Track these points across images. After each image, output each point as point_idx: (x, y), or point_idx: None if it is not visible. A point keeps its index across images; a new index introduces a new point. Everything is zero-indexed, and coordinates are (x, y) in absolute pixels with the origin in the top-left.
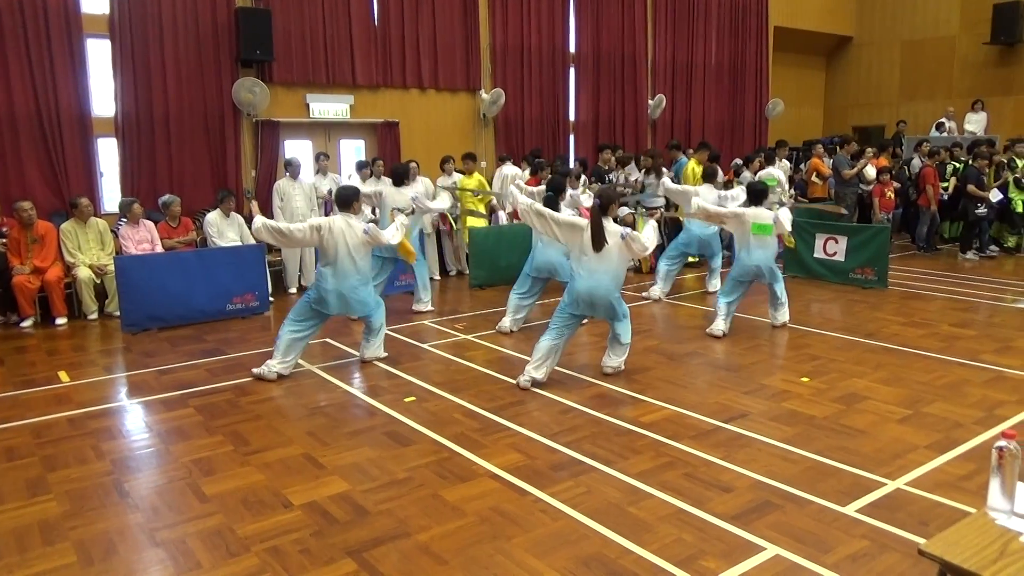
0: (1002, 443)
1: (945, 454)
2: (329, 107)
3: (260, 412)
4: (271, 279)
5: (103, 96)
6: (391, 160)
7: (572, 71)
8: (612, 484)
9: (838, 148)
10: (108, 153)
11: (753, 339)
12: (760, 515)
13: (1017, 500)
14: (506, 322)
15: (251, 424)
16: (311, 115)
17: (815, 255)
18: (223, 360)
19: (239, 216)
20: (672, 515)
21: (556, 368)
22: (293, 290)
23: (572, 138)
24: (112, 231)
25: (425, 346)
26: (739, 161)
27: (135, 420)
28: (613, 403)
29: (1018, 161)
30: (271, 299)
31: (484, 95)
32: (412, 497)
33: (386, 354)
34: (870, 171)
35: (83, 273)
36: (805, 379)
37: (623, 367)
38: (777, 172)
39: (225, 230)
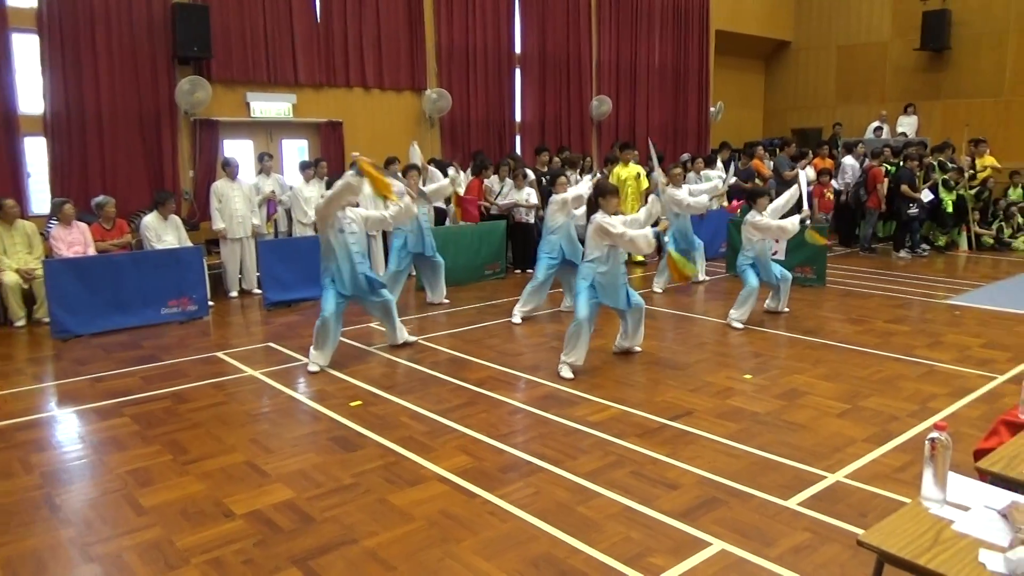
0: (934, 435)
1: (882, 447)
2: (270, 106)
3: (199, 420)
4: (210, 282)
5: (30, 93)
6: (335, 161)
7: (518, 72)
8: (560, 484)
9: (778, 150)
10: (36, 153)
11: (698, 337)
12: (706, 511)
13: (949, 489)
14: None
15: (190, 432)
16: (251, 114)
17: None
18: (160, 367)
19: (177, 218)
20: (620, 513)
21: (503, 369)
22: (234, 294)
23: (518, 139)
24: (41, 233)
25: (371, 349)
26: (687, 156)
27: (66, 431)
28: (560, 403)
29: (949, 165)
30: (210, 303)
31: (432, 94)
32: (359, 503)
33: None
34: (809, 172)
35: (9, 278)
36: (748, 376)
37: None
38: (716, 174)
39: (163, 233)
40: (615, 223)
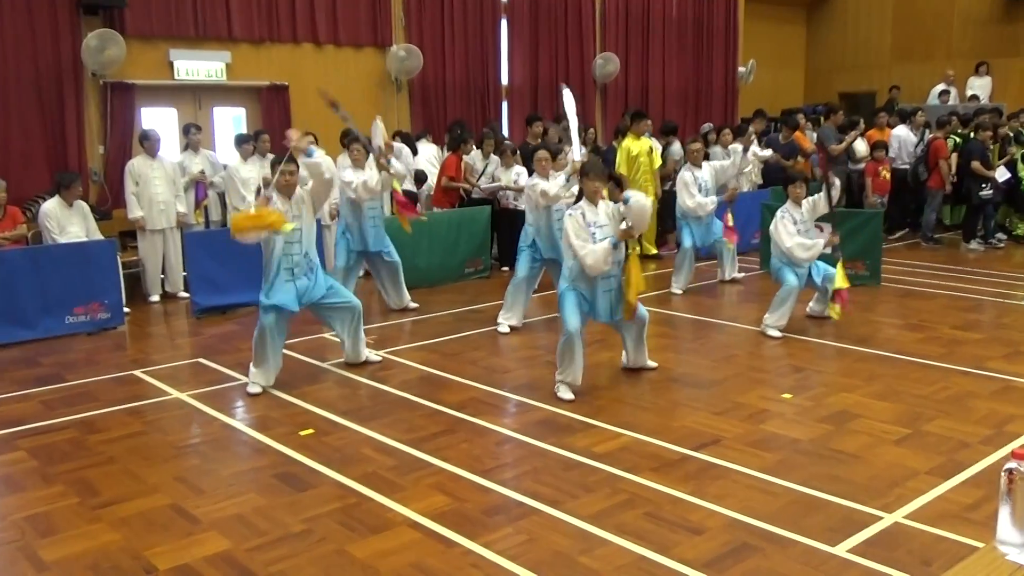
0: (1012, 465)
1: (949, 480)
2: (199, 66)
3: (114, 453)
4: (126, 284)
5: None
6: (280, 134)
7: (504, 24)
8: (559, 529)
9: (823, 119)
10: None
11: (725, 349)
12: (736, 560)
13: None
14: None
15: (102, 469)
16: (176, 76)
17: None
18: (64, 389)
19: (85, 205)
20: (632, 564)
21: (488, 389)
22: (155, 298)
23: (505, 106)
24: None
25: (325, 365)
26: (709, 125)
27: None
28: (559, 430)
29: None
30: (126, 310)
31: (399, 51)
32: (312, 555)
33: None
34: (860, 146)
35: None
36: (787, 396)
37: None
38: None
39: (67, 223)
40: (576, 231)
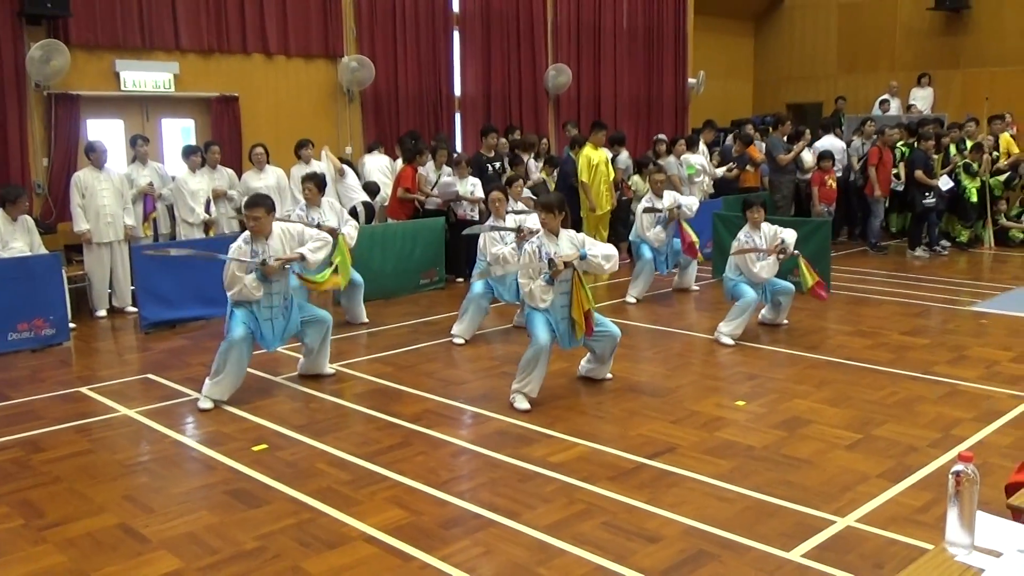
0: (959, 467)
1: (899, 483)
2: (146, 77)
3: (59, 473)
4: (72, 299)
5: None
6: (229, 146)
7: (456, 35)
8: (516, 541)
9: (771, 129)
10: None
11: (680, 357)
12: (694, 567)
13: (977, 532)
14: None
15: (47, 489)
16: (122, 87)
17: None
18: (7, 407)
19: (29, 219)
20: (589, 574)
21: (443, 401)
22: (102, 313)
23: (458, 116)
24: None
25: (278, 379)
26: (662, 136)
27: None
28: (515, 441)
29: (968, 141)
30: (72, 325)
31: (351, 62)
32: (265, 572)
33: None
34: (808, 156)
35: None
36: (741, 403)
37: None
38: (697, 159)
39: (10, 238)
40: (524, 268)
